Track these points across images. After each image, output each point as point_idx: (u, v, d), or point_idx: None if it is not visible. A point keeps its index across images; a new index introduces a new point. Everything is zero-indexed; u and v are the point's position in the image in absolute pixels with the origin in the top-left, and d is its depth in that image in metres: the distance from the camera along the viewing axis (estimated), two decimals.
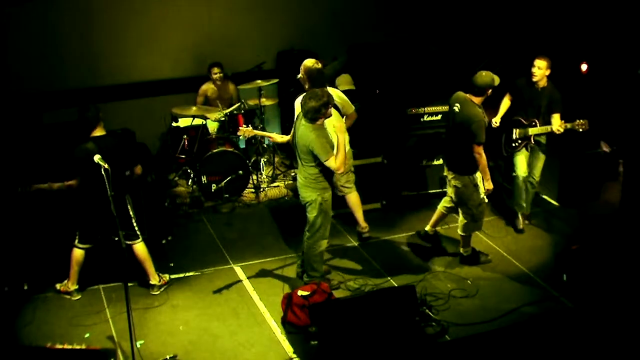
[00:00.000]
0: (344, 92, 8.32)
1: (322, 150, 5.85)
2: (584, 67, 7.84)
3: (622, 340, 5.52)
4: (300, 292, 5.99)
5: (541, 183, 8.23)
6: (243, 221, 7.68)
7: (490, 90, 6.36)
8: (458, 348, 5.69)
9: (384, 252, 7.09)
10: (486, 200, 6.58)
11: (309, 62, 6.57)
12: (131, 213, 6.16)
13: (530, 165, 7.31)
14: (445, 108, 7.86)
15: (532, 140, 7.15)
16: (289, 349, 5.69)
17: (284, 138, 6.59)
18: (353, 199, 7.14)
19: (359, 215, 7.22)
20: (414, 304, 5.81)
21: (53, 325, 5.93)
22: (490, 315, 6.04)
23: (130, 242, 6.15)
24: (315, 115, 5.86)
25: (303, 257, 6.43)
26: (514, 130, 7.19)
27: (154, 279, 6.39)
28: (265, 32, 9.04)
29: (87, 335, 5.80)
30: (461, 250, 6.84)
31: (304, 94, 6.04)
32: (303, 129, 5.95)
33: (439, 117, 7.87)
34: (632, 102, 7.44)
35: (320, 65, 6.59)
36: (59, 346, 5.36)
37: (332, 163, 5.86)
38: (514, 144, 7.24)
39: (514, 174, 7.32)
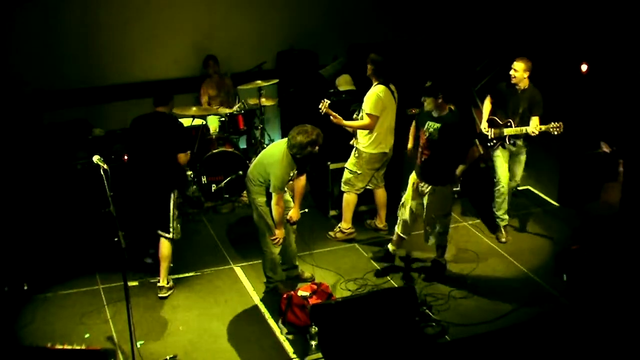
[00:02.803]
0: (344, 92, 8.36)
1: (277, 182, 5.88)
2: (584, 67, 7.83)
3: (622, 340, 5.53)
4: (300, 292, 5.99)
5: (541, 183, 8.27)
6: (243, 221, 7.67)
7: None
8: (458, 348, 5.69)
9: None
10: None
11: (374, 55, 6.81)
12: (171, 210, 6.18)
13: (512, 170, 7.23)
14: None
15: (508, 141, 7.05)
16: (289, 349, 5.70)
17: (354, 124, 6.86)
18: (383, 194, 7.24)
19: (384, 212, 7.36)
20: (414, 304, 5.82)
21: (53, 325, 5.93)
22: (490, 315, 6.04)
23: (161, 234, 6.22)
24: (301, 151, 5.85)
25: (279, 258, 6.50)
26: (490, 130, 7.12)
27: (164, 281, 6.35)
28: (265, 32, 9.03)
29: (87, 335, 5.80)
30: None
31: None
32: (278, 148, 5.99)
33: None
34: (632, 102, 7.44)
35: (381, 58, 6.80)
36: (59, 346, 5.35)
37: (275, 197, 5.91)
38: (489, 144, 7.17)
39: (496, 182, 7.20)
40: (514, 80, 6.93)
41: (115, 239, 4.98)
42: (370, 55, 6.85)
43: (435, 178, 6.29)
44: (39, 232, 6.70)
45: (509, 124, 7.05)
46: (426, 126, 6.21)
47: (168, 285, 6.38)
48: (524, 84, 6.95)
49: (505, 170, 7.15)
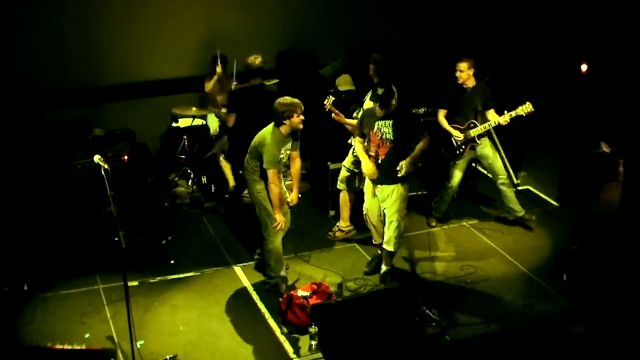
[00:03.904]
0: (344, 92, 8.35)
1: (269, 156, 5.96)
2: (584, 67, 7.83)
3: (623, 340, 5.53)
4: (300, 292, 6.00)
5: (541, 183, 8.27)
6: (243, 221, 7.67)
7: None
8: (458, 348, 5.68)
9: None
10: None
11: (376, 55, 6.82)
12: None
13: (491, 170, 7.33)
14: None
15: (477, 141, 7.17)
16: (289, 349, 5.70)
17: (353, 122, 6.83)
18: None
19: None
20: (414, 304, 5.81)
21: (53, 325, 5.93)
22: (490, 315, 6.04)
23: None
24: (274, 116, 5.97)
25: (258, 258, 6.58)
26: (453, 140, 7.21)
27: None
28: (265, 32, 9.04)
29: (87, 335, 5.80)
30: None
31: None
32: (266, 129, 6.11)
33: None
34: (632, 102, 7.44)
35: (383, 58, 6.79)
36: (59, 346, 5.35)
37: (270, 174, 5.98)
38: (457, 151, 7.24)
39: (446, 185, 7.38)
40: (460, 81, 7.08)
41: (116, 239, 4.98)
42: (373, 55, 6.86)
43: (396, 176, 6.22)
44: (39, 232, 6.69)
45: (472, 124, 7.15)
46: (376, 127, 6.15)
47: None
48: (471, 82, 7.11)
49: (460, 176, 7.34)
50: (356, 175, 7.04)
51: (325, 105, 6.74)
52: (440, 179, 7.60)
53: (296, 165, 6.39)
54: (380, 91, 6.07)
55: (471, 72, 7.07)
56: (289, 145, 6.16)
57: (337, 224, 7.32)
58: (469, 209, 7.92)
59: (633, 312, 5.77)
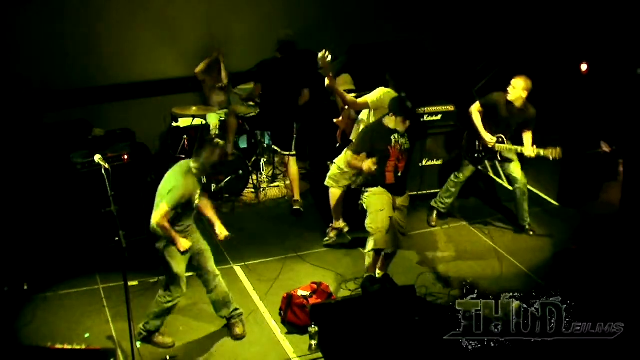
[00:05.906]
0: (344, 91, 8.33)
1: (165, 196, 5.41)
2: (584, 67, 7.84)
3: (622, 340, 5.52)
4: (300, 292, 5.99)
5: (541, 183, 8.27)
6: (243, 221, 7.67)
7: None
8: (458, 348, 5.67)
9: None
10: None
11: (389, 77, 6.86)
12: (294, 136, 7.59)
13: (511, 174, 7.20)
14: (445, 108, 7.87)
15: (499, 157, 7.08)
16: (289, 349, 5.70)
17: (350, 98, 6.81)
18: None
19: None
20: (414, 304, 5.81)
21: (53, 325, 5.93)
22: None
23: (284, 153, 7.74)
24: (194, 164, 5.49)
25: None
26: (477, 142, 7.10)
27: (298, 196, 7.73)
28: (265, 32, 9.03)
29: (87, 335, 5.80)
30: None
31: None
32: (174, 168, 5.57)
33: (439, 117, 7.88)
34: (632, 102, 7.45)
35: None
36: (59, 346, 5.36)
37: (159, 212, 5.40)
38: (476, 155, 7.15)
39: (455, 174, 7.28)
40: (509, 97, 6.87)
41: (116, 239, 4.98)
42: (386, 76, 6.89)
43: (406, 183, 6.26)
44: (39, 232, 6.69)
45: (500, 139, 7.02)
46: (394, 140, 5.97)
47: (300, 201, 7.70)
48: (520, 103, 6.89)
49: (470, 173, 7.24)
50: (345, 174, 6.97)
51: (319, 59, 6.42)
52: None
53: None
54: (410, 104, 5.87)
55: (524, 94, 6.79)
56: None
57: (331, 224, 7.28)
58: (469, 208, 7.92)
59: (633, 312, 5.76)
